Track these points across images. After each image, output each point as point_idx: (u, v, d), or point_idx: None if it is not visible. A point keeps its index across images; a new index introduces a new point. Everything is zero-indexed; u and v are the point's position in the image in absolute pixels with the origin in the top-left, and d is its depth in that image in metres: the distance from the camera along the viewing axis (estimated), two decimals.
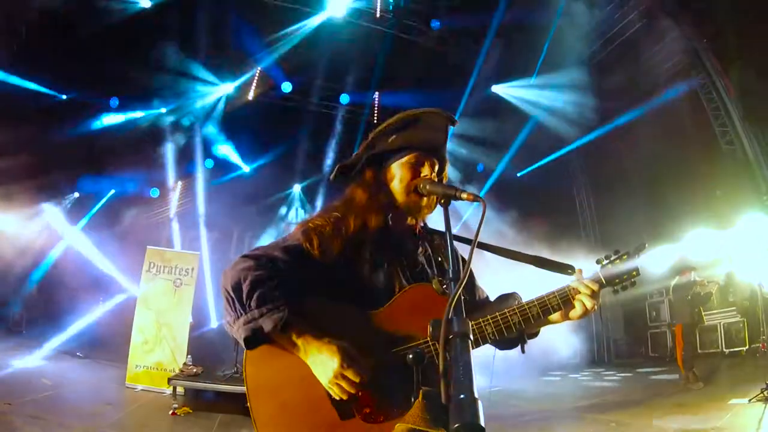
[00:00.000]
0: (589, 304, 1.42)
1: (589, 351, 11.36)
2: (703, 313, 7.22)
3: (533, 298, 1.43)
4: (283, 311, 1.26)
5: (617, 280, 1.46)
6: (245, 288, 1.26)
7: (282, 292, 1.29)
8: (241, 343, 1.27)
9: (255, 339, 1.26)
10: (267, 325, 1.24)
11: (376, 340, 1.32)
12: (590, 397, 6.82)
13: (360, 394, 1.26)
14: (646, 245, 1.49)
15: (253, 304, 1.26)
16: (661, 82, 9.76)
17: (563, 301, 1.43)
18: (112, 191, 10.91)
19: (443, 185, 1.43)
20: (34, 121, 8.90)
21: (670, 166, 9.37)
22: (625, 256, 1.47)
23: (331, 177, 1.63)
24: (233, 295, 1.27)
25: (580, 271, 1.47)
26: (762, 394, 4.97)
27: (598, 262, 1.50)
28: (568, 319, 1.47)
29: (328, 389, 1.26)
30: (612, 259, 1.48)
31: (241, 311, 1.27)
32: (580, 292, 1.42)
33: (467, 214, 9.47)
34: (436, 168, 1.55)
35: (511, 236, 10.90)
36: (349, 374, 1.23)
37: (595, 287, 1.43)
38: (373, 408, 1.28)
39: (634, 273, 1.45)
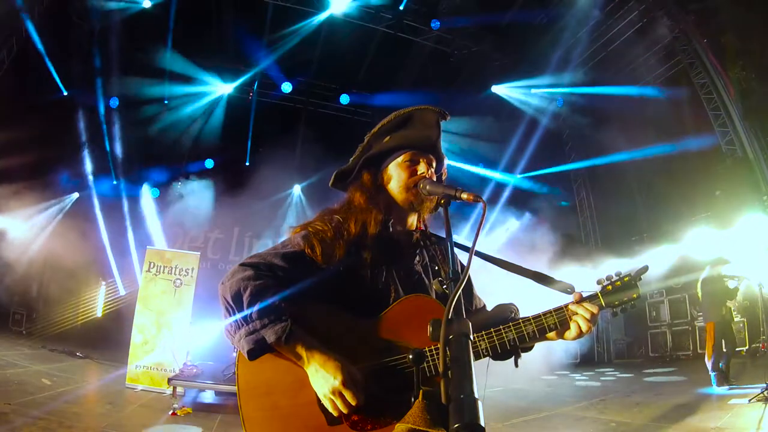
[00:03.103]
0: (584, 327, 1.38)
1: (589, 351, 11.36)
2: (732, 310, 6.73)
3: (529, 316, 1.40)
4: (287, 322, 1.25)
5: (617, 303, 1.41)
6: (246, 298, 1.25)
7: (283, 302, 1.28)
8: (244, 353, 1.27)
9: (258, 349, 1.25)
10: (270, 336, 1.23)
11: (370, 349, 1.32)
12: (590, 397, 6.80)
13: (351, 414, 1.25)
14: (648, 267, 1.43)
15: (254, 314, 1.24)
16: (661, 82, 9.78)
17: (560, 320, 1.39)
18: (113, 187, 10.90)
19: (443, 185, 1.42)
20: (34, 120, 8.90)
21: (670, 167, 9.37)
22: (626, 278, 1.42)
23: (330, 183, 1.63)
24: (234, 306, 1.26)
25: (580, 294, 1.42)
26: (762, 394, 4.97)
27: (598, 283, 1.45)
28: (563, 338, 1.43)
29: (321, 400, 1.25)
30: (613, 280, 1.43)
31: (243, 322, 1.25)
32: (577, 313, 1.38)
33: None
34: (433, 165, 1.54)
35: (511, 237, 10.92)
36: (347, 395, 1.22)
37: (594, 310, 1.38)
38: (361, 416, 1.27)
39: (635, 296, 1.41)
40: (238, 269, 1.31)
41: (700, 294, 6.94)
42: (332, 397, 1.23)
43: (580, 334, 1.40)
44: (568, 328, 1.40)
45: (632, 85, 10.11)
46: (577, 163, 11.34)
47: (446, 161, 1.63)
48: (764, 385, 5.05)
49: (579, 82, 10.22)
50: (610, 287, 1.42)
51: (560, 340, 1.46)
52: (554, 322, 1.38)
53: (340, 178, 1.62)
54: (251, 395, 1.31)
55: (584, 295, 1.42)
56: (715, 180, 8.89)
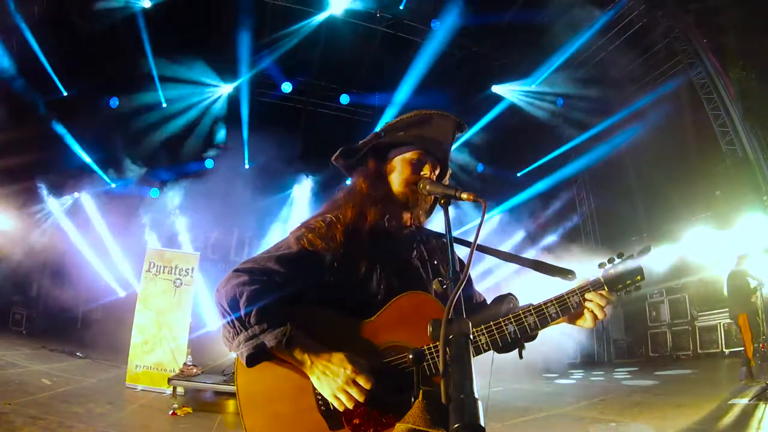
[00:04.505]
0: (600, 314, 1.38)
1: (589, 351, 11.36)
2: (758, 304, 6.60)
3: (530, 306, 1.38)
4: (286, 326, 1.24)
5: (620, 286, 1.40)
6: (243, 304, 1.24)
7: (280, 306, 1.27)
8: (243, 360, 1.25)
9: (258, 355, 1.24)
10: (270, 341, 1.22)
11: (369, 349, 1.31)
12: (590, 397, 6.80)
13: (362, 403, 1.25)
14: (651, 248, 1.42)
15: (252, 320, 1.23)
16: (662, 82, 9.78)
17: (562, 309, 1.38)
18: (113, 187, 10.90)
19: (443, 185, 1.42)
20: (34, 120, 8.89)
21: (670, 167, 9.37)
22: (628, 260, 1.40)
23: (333, 158, 1.61)
24: (230, 312, 1.25)
25: (586, 280, 1.41)
26: (762, 394, 4.98)
27: (600, 266, 1.42)
28: (575, 324, 1.44)
29: (332, 400, 1.24)
30: (615, 263, 1.41)
31: (241, 328, 1.24)
32: (592, 301, 1.38)
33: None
34: (438, 171, 1.54)
35: (511, 237, 10.92)
36: (360, 380, 1.21)
37: (608, 295, 1.38)
38: (362, 419, 1.26)
39: (639, 278, 1.39)
40: (233, 275, 1.30)
41: (726, 288, 6.97)
42: (346, 388, 1.21)
43: (595, 321, 1.40)
44: (574, 314, 1.40)
45: (632, 84, 10.12)
46: (574, 139, 11.20)
47: (450, 172, 1.64)
48: (764, 385, 5.05)
49: (578, 81, 10.21)
50: (612, 272, 1.41)
51: (563, 332, 1.47)
52: (556, 311, 1.38)
53: (344, 155, 1.60)
54: (252, 405, 1.30)
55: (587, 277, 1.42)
56: (715, 180, 8.90)
